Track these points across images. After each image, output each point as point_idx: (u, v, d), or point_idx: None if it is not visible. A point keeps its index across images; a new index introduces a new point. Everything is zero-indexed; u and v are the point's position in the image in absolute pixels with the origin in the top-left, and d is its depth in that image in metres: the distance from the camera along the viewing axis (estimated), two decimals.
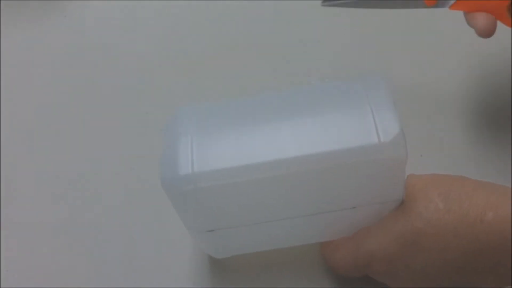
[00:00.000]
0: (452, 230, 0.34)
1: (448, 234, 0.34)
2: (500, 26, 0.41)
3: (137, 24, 0.57)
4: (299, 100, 0.37)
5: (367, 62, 0.52)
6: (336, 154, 0.34)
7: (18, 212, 0.47)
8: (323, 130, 0.35)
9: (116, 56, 0.55)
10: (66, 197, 0.48)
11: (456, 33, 0.49)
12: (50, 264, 0.45)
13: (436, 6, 0.40)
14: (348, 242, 0.38)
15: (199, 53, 0.54)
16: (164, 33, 0.56)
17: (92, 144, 0.50)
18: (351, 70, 0.51)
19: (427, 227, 0.34)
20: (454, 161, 0.46)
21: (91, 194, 0.48)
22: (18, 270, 0.45)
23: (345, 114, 0.35)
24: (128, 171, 0.49)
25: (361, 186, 0.36)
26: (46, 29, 0.56)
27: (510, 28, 0.41)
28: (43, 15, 0.57)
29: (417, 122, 0.47)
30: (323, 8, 0.45)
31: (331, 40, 0.54)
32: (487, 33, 0.40)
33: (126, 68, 0.54)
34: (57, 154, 0.50)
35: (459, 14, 0.42)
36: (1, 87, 0.53)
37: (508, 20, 0.40)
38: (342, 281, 0.42)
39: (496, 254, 0.33)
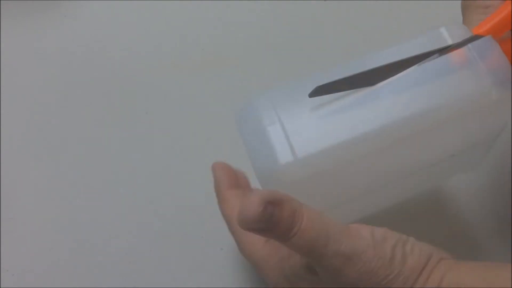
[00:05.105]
0: None
1: None
2: None
3: (138, 24, 0.56)
4: (384, 62, 0.33)
5: None
6: (446, 107, 0.32)
7: (18, 212, 0.47)
8: (422, 84, 0.32)
9: (117, 56, 0.54)
10: (67, 197, 0.48)
11: None
12: (51, 264, 0.45)
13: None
14: None
15: (200, 53, 0.54)
16: (164, 33, 0.56)
17: (92, 144, 0.50)
18: None
19: None
20: None
21: (92, 194, 0.48)
22: (17, 270, 0.45)
23: (441, 62, 0.33)
24: (130, 171, 0.49)
25: (466, 133, 0.34)
26: (46, 29, 0.56)
27: None
28: (43, 15, 0.57)
29: None
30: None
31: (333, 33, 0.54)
32: None
33: (126, 67, 0.54)
34: (58, 154, 0.50)
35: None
36: (1, 87, 0.53)
37: None
38: None
39: None
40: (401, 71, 0.33)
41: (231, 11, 0.56)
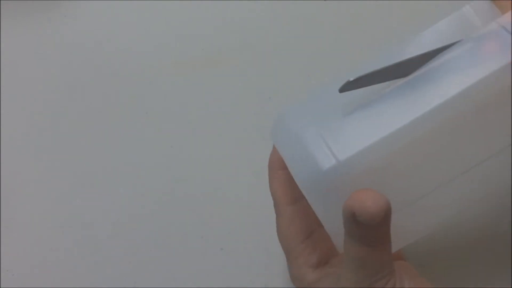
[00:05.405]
0: None
1: None
2: None
3: (138, 24, 0.56)
4: (410, 52, 0.32)
5: None
6: (493, 80, 0.30)
7: (18, 212, 0.47)
8: (462, 64, 0.31)
9: (117, 56, 0.54)
10: (66, 197, 0.48)
11: None
12: (51, 264, 0.45)
13: None
14: None
15: (200, 53, 0.54)
16: (164, 33, 0.56)
17: (92, 144, 0.50)
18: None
19: None
20: None
21: (91, 194, 0.48)
22: (17, 270, 0.45)
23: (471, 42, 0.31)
24: (130, 172, 0.49)
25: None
26: (46, 29, 0.56)
27: None
28: (43, 15, 0.57)
29: None
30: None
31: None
32: None
33: (126, 67, 0.54)
34: (58, 154, 0.50)
35: None
36: (1, 87, 0.53)
37: None
38: None
39: None
40: (432, 60, 0.32)
41: (231, 11, 0.56)
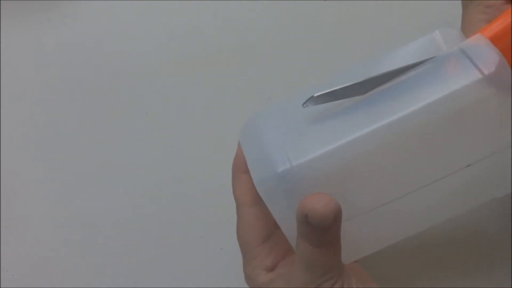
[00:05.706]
0: None
1: None
2: None
3: (138, 24, 0.57)
4: (374, 71, 0.34)
5: None
6: (444, 101, 0.31)
7: (18, 212, 0.47)
8: (420, 84, 0.32)
9: (116, 56, 0.54)
10: (66, 198, 0.48)
11: None
12: (51, 264, 0.45)
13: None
14: None
15: (200, 53, 0.54)
16: (164, 33, 0.56)
17: (92, 144, 0.50)
18: None
19: None
20: None
21: (91, 194, 0.48)
22: (17, 270, 0.45)
23: (435, 66, 0.33)
24: (130, 172, 0.49)
25: (472, 136, 0.33)
26: (46, 29, 0.56)
27: None
28: (43, 15, 0.57)
29: None
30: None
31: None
32: None
33: (126, 67, 0.54)
34: (58, 154, 0.50)
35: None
36: (1, 87, 0.53)
37: None
38: None
39: None
40: (394, 79, 0.34)
41: (231, 11, 0.56)
